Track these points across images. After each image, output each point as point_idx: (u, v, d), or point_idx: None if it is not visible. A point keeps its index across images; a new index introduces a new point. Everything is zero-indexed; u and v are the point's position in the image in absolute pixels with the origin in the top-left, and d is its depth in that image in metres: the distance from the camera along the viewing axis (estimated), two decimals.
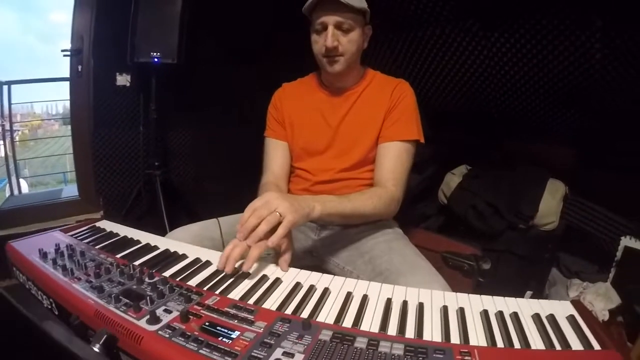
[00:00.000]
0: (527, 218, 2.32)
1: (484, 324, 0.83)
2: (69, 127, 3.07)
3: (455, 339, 0.78)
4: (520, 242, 2.34)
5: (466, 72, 2.59)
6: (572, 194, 2.48)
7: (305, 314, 0.86)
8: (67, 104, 3.02)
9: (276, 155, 1.68)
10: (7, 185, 3.86)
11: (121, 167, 3.08)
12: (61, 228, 1.31)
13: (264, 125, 1.74)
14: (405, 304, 0.90)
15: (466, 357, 0.70)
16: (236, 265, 1.04)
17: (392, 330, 0.81)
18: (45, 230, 1.29)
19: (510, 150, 2.77)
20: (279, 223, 1.08)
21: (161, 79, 2.80)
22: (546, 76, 2.26)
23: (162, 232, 1.39)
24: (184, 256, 1.14)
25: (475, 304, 0.91)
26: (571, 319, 0.84)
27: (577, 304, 0.91)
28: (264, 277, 1.02)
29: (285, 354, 0.70)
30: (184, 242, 1.26)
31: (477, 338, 0.78)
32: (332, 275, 1.05)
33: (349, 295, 0.93)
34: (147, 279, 0.95)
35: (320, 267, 1.53)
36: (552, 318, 0.84)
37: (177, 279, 0.98)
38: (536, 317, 0.85)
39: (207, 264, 1.10)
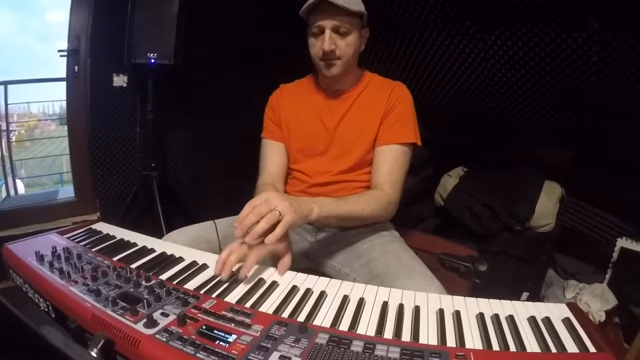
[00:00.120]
0: (524, 220, 2.32)
1: (480, 326, 0.83)
2: (66, 127, 3.06)
3: (451, 342, 0.79)
4: (516, 243, 2.35)
5: (463, 74, 2.59)
6: (569, 195, 2.49)
7: (301, 317, 0.86)
8: (64, 104, 3.00)
9: (273, 156, 1.68)
10: (4, 185, 3.85)
11: (118, 168, 3.07)
12: (58, 230, 1.30)
13: (261, 127, 1.74)
14: (401, 307, 0.90)
15: None
16: (233, 269, 1.04)
17: (389, 333, 0.81)
18: (42, 231, 1.29)
19: (507, 152, 2.78)
20: (278, 222, 1.07)
21: (158, 80, 2.79)
22: (543, 78, 2.26)
23: (158, 234, 1.39)
24: (181, 259, 1.14)
25: (471, 306, 0.91)
26: (567, 322, 0.85)
27: (572, 306, 0.91)
28: (261, 281, 1.02)
29: (282, 357, 0.70)
30: (180, 245, 1.26)
31: (473, 341, 0.79)
32: (329, 279, 1.05)
33: (345, 299, 0.94)
34: (144, 282, 0.95)
35: (316, 269, 1.53)
36: (547, 321, 0.85)
37: (174, 282, 0.98)
38: (532, 320, 0.85)
39: (204, 267, 1.10)
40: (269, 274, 1.07)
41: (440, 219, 2.78)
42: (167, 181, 3.12)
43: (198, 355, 0.70)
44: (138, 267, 1.06)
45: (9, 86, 3.62)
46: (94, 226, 1.38)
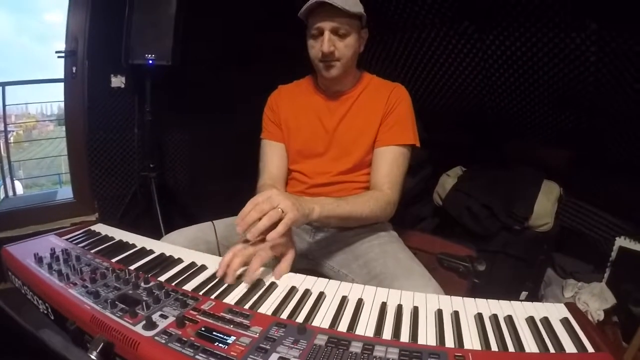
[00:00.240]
0: (522, 219, 2.33)
1: (478, 327, 0.83)
2: (64, 127, 3.06)
3: (449, 342, 0.79)
4: (515, 243, 2.35)
5: (461, 74, 2.59)
6: (567, 195, 2.50)
7: (300, 318, 0.86)
8: (62, 104, 3.00)
9: (273, 157, 1.67)
10: (2, 186, 3.84)
11: (116, 169, 3.07)
12: (56, 232, 1.30)
13: (260, 127, 1.74)
14: (400, 307, 0.90)
15: None
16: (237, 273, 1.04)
17: (387, 334, 0.81)
18: (40, 233, 1.29)
19: (505, 151, 2.78)
20: (279, 220, 1.07)
21: (156, 81, 2.79)
22: (541, 78, 2.27)
23: (157, 235, 1.39)
24: (180, 260, 1.14)
25: (469, 307, 0.91)
26: (565, 322, 0.85)
27: (571, 306, 0.91)
28: (260, 282, 1.02)
29: (281, 358, 0.70)
30: (179, 246, 1.26)
31: (472, 342, 0.79)
32: (327, 279, 1.05)
33: (344, 300, 0.94)
34: (142, 284, 0.95)
35: (315, 270, 1.53)
36: (546, 321, 0.85)
37: (173, 284, 0.98)
38: (530, 320, 0.85)
39: (203, 268, 1.10)
40: (268, 275, 1.07)
41: (439, 218, 2.78)
42: (165, 182, 3.12)
43: (197, 357, 0.70)
44: (137, 269, 1.06)
45: (7, 87, 3.61)
46: (92, 227, 1.38)
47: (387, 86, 1.63)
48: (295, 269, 1.13)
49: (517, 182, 2.48)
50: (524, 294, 2.36)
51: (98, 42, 2.77)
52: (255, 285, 1.00)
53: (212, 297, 0.93)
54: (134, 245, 1.23)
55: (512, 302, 0.93)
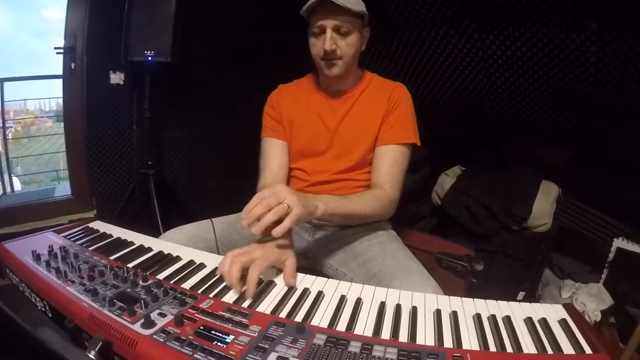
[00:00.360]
0: (521, 219, 2.33)
1: (477, 327, 0.84)
2: (62, 124, 3.05)
3: (448, 342, 0.79)
4: (513, 243, 2.36)
5: (461, 74, 2.59)
6: (566, 195, 2.50)
7: (299, 317, 0.86)
8: (61, 101, 3.00)
9: (274, 155, 1.66)
10: (0, 183, 3.83)
11: (114, 165, 3.07)
12: (54, 229, 1.30)
13: (259, 125, 1.73)
14: (398, 307, 0.90)
15: None
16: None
17: (386, 334, 0.81)
18: (38, 229, 1.29)
19: (504, 151, 2.78)
20: (285, 216, 1.06)
21: (155, 78, 2.79)
22: (541, 78, 2.27)
23: (155, 232, 1.39)
24: (178, 258, 1.14)
25: (468, 307, 0.92)
26: (563, 323, 0.85)
27: (569, 307, 0.92)
28: (258, 280, 1.02)
29: (279, 358, 0.70)
30: (177, 244, 1.26)
31: (470, 342, 0.79)
32: (326, 279, 1.05)
33: (342, 299, 0.94)
34: (141, 282, 0.95)
35: (314, 268, 1.54)
36: (544, 322, 0.85)
37: (171, 282, 0.98)
38: (528, 321, 0.85)
39: (201, 266, 1.10)
40: (266, 274, 1.07)
41: (438, 218, 2.78)
42: (164, 179, 3.12)
43: (196, 356, 0.70)
44: (135, 267, 1.05)
45: (6, 83, 3.60)
46: (90, 225, 1.37)
47: (389, 85, 1.63)
48: None
49: (516, 182, 2.48)
50: (521, 294, 2.36)
51: (97, 39, 2.77)
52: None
53: (211, 295, 0.93)
54: (132, 243, 1.23)
55: (510, 302, 0.94)
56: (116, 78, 2.90)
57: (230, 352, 0.71)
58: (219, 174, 3.41)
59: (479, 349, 0.77)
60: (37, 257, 1.06)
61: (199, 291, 0.94)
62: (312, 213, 1.18)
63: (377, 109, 1.57)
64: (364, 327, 0.84)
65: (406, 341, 0.79)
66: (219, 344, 0.73)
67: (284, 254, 1.09)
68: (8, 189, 3.84)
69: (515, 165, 2.61)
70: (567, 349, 0.77)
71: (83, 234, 1.29)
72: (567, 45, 2.04)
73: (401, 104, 1.57)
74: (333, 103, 1.62)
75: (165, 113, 3.05)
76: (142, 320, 0.79)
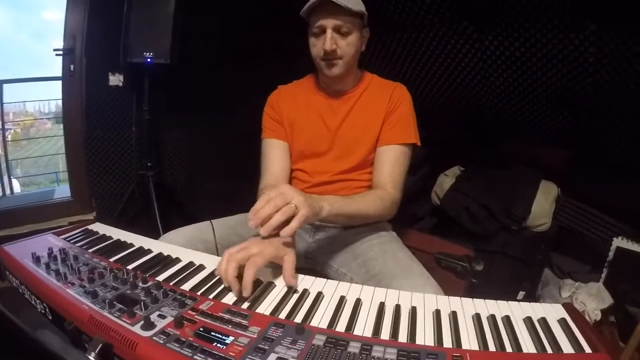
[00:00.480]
0: (520, 219, 2.33)
1: (476, 327, 0.84)
2: (62, 125, 3.05)
3: (447, 342, 0.79)
4: (513, 243, 2.36)
5: (460, 74, 2.59)
6: (565, 195, 2.50)
7: (298, 318, 0.86)
8: (60, 102, 3.00)
9: (275, 156, 1.66)
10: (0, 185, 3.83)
11: (114, 167, 3.07)
12: (54, 231, 1.30)
13: (259, 126, 1.72)
14: (398, 307, 0.90)
15: None
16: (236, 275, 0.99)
17: (385, 334, 0.81)
18: (38, 232, 1.29)
19: (503, 151, 2.78)
20: (293, 216, 1.06)
21: (154, 79, 2.79)
22: (540, 79, 2.27)
23: (155, 234, 1.39)
24: (178, 260, 1.13)
25: (467, 307, 0.92)
26: (563, 322, 0.85)
27: (568, 307, 0.92)
28: (257, 281, 1.01)
29: (279, 359, 0.70)
30: (177, 245, 1.26)
31: (470, 342, 0.79)
32: (326, 279, 1.05)
33: (342, 300, 0.94)
34: (140, 284, 0.95)
35: (314, 269, 1.54)
36: (543, 321, 0.85)
37: (171, 284, 0.98)
38: (528, 321, 0.85)
39: (201, 267, 1.10)
40: (266, 275, 1.07)
41: (437, 218, 2.78)
42: (163, 181, 3.12)
43: (195, 357, 0.70)
44: (135, 269, 1.05)
45: (5, 85, 3.60)
46: (90, 227, 1.37)
47: (389, 86, 1.63)
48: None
49: (515, 182, 2.48)
50: (521, 294, 2.37)
51: (96, 40, 2.77)
52: (253, 285, 0.99)
53: (211, 297, 0.93)
54: (131, 245, 1.23)
55: (509, 302, 0.94)
56: (115, 80, 2.90)
57: (230, 353, 0.71)
58: (218, 175, 3.41)
59: (478, 349, 0.77)
60: (36, 259, 1.06)
61: (199, 293, 0.94)
62: (318, 213, 1.18)
63: (378, 109, 1.57)
64: (364, 327, 0.84)
65: (405, 341, 0.79)
66: (218, 345, 0.73)
67: (282, 250, 1.08)
68: (7, 191, 3.84)
69: (514, 165, 2.61)
70: (567, 348, 0.77)
71: (83, 236, 1.29)
72: (565, 45, 2.04)
73: (402, 104, 1.58)
74: (333, 103, 1.62)
75: (165, 114, 3.06)
76: (142, 322, 0.79)
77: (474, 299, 0.95)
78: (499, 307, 0.92)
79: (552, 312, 0.90)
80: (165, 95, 2.98)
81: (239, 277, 0.97)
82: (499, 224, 2.36)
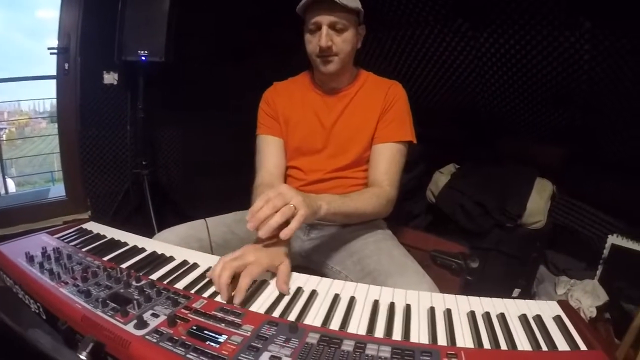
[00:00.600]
0: (515, 217, 2.33)
1: (471, 325, 0.83)
2: (56, 124, 3.04)
3: (442, 340, 0.79)
4: (508, 240, 2.36)
5: (455, 72, 2.59)
6: (560, 192, 2.51)
7: (292, 316, 0.86)
8: (55, 101, 2.99)
9: (270, 152, 1.65)
10: None
11: (108, 166, 3.06)
12: (48, 230, 1.29)
13: (254, 124, 1.71)
14: (392, 305, 0.90)
15: (453, 359, 0.70)
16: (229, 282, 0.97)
17: (379, 332, 0.81)
18: (33, 231, 1.28)
19: (499, 149, 2.79)
20: (292, 217, 1.05)
21: (149, 78, 2.78)
22: (535, 76, 2.27)
23: (150, 232, 1.38)
24: (171, 258, 1.13)
25: (462, 305, 0.91)
26: (558, 320, 0.85)
27: (564, 304, 0.92)
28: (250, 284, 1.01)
29: (272, 357, 0.70)
30: (171, 244, 1.25)
31: (464, 339, 0.79)
32: (320, 277, 1.05)
33: (336, 298, 0.94)
34: (134, 283, 0.94)
35: (308, 267, 1.53)
36: (538, 319, 0.85)
37: (165, 282, 0.97)
38: (523, 318, 0.85)
39: (195, 266, 1.09)
40: (260, 275, 1.06)
41: (432, 216, 2.79)
42: (158, 179, 3.11)
43: (188, 356, 0.69)
44: (128, 267, 1.05)
45: None
46: (84, 226, 1.36)
47: (385, 83, 1.63)
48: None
49: (510, 179, 2.48)
50: (516, 291, 2.37)
51: (91, 39, 2.76)
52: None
53: (204, 295, 0.93)
54: (125, 244, 1.22)
55: (504, 299, 0.93)
56: (110, 78, 2.89)
57: (223, 351, 0.70)
58: (213, 173, 3.40)
59: (473, 347, 0.76)
60: (30, 258, 1.05)
61: (192, 291, 0.94)
62: (316, 213, 1.17)
63: (374, 107, 1.57)
64: (358, 325, 0.83)
65: (400, 339, 0.79)
66: (211, 344, 0.73)
67: (277, 259, 1.06)
68: (2, 191, 3.83)
69: (510, 163, 2.62)
70: (562, 345, 0.77)
71: (76, 235, 1.28)
72: (560, 43, 2.05)
73: (398, 102, 1.57)
74: (329, 101, 1.62)
75: (159, 113, 3.05)
76: (135, 321, 0.78)
77: (469, 297, 0.94)
78: (493, 305, 0.92)
79: (547, 309, 0.90)
80: (160, 93, 2.96)
81: (233, 283, 0.95)
82: (493, 221, 2.37)
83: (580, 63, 2.05)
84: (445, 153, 2.85)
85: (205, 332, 0.76)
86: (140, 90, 2.77)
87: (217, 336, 0.75)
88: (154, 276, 1.01)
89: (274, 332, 0.77)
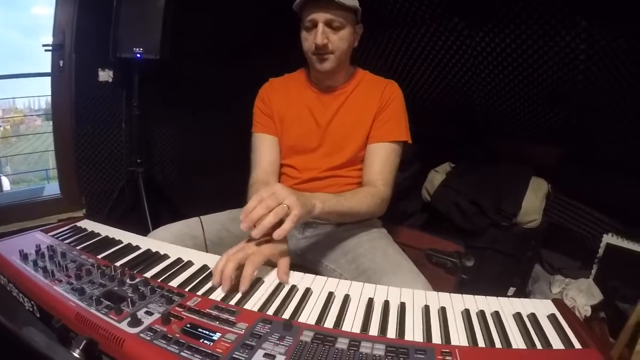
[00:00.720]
0: (510, 216, 2.34)
1: (466, 323, 0.83)
2: (51, 122, 3.03)
3: (436, 338, 0.79)
4: (503, 239, 2.37)
5: (451, 71, 2.59)
6: (555, 191, 2.51)
7: (286, 314, 0.86)
8: (50, 99, 2.97)
9: (265, 150, 1.64)
10: None
11: (103, 164, 3.04)
12: (42, 228, 1.29)
13: (250, 122, 1.71)
14: (387, 303, 0.90)
15: (447, 357, 0.70)
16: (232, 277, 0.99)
17: (374, 330, 0.81)
18: (27, 229, 1.27)
19: (494, 148, 2.79)
20: (285, 217, 1.04)
21: (144, 75, 2.77)
22: (531, 75, 2.28)
23: (145, 230, 1.38)
24: (166, 256, 1.13)
25: (456, 303, 0.92)
26: (552, 318, 0.85)
27: (558, 302, 0.92)
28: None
29: (266, 355, 0.70)
30: (166, 242, 1.25)
31: (459, 338, 0.79)
32: (314, 275, 1.05)
33: (330, 296, 0.94)
34: (128, 280, 0.94)
35: (303, 265, 1.53)
36: (533, 317, 0.85)
37: (159, 280, 0.97)
38: (517, 317, 0.85)
39: (189, 264, 1.09)
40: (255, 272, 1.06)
41: (427, 214, 2.79)
42: (153, 177, 3.09)
43: (182, 354, 0.69)
44: (122, 265, 1.04)
45: None
46: (78, 224, 1.36)
47: (381, 82, 1.62)
48: None
49: (505, 178, 2.49)
50: (511, 290, 2.37)
51: (86, 36, 2.74)
52: (242, 281, 0.99)
53: (198, 293, 0.92)
54: (120, 242, 1.22)
55: (499, 298, 0.93)
56: (105, 75, 2.88)
57: (217, 349, 0.70)
58: (208, 171, 3.40)
59: (467, 345, 0.77)
60: (24, 256, 1.04)
61: (186, 289, 0.94)
62: (310, 212, 1.16)
63: (370, 106, 1.56)
64: (352, 323, 0.83)
65: (394, 337, 0.79)
66: (205, 341, 0.73)
67: (278, 247, 1.08)
68: None
69: (505, 162, 2.62)
70: (557, 344, 0.77)
71: (71, 233, 1.28)
72: (556, 42, 2.05)
73: (394, 102, 1.57)
74: (324, 99, 1.61)
75: (155, 110, 3.04)
76: (129, 319, 0.78)
77: (463, 295, 0.95)
78: (488, 303, 0.92)
79: (541, 307, 0.90)
80: (155, 91, 2.95)
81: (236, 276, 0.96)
82: (488, 220, 2.37)
83: (576, 62, 2.06)
84: (440, 152, 2.85)
85: (199, 329, 0.76)
86: (135, 87, 2.76)
87: (211, 334, 0.75)
88: (148, 274, 1.01)
89: (268, 330, 0.77)
